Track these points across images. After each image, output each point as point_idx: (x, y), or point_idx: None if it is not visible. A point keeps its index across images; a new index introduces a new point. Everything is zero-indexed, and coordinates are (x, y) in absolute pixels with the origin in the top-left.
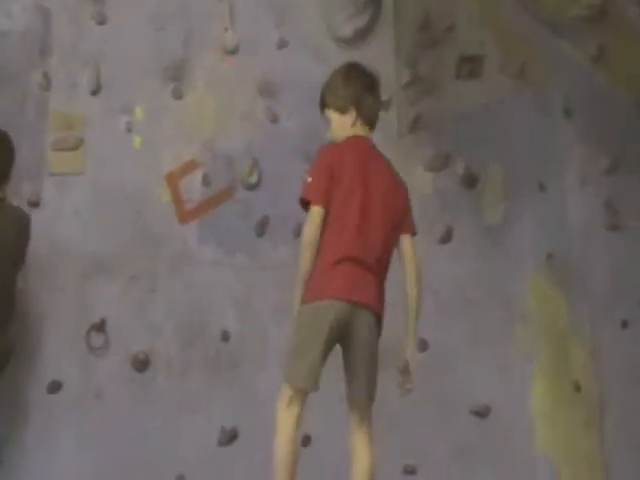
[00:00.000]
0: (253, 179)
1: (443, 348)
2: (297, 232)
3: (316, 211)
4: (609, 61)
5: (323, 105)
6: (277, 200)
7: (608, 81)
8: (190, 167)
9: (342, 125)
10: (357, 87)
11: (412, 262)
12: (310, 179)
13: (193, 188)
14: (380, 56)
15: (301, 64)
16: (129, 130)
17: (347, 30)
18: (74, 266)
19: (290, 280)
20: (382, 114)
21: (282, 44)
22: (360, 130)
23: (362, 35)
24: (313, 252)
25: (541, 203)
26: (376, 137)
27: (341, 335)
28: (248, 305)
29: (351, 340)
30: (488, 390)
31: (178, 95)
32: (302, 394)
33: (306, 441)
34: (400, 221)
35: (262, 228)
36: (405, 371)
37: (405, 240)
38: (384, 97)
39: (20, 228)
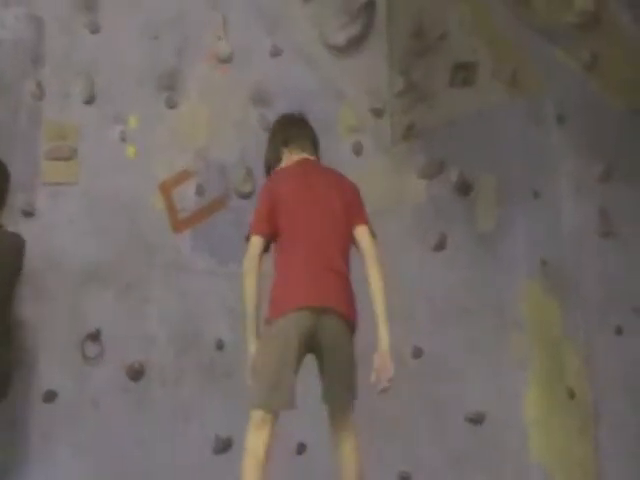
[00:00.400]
0: (247, 188)
1: (437, 355)
2: None
3: (252, 241)
4: (602, 68)
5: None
6: None
7: (601, 88)
8: (184, 176)
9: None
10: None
11: (369, 252)
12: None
13: (187, 197)
14: (373, 64)
15: (294, 72)
16: (123, 139)
17: (340, 38)
18: (68, 275)
19: None
20: (376, 122)
21: (275, 52)
22: (304, 155)
23: (355, 43)
24: (252, 280)
25: (535, 210)
26: (369, 145)
27: (309, 344)
28: (242, 314)
29: (320, 346)
30: (482, 397)
31: (172, 104)
32: (272, 415)
33: (301, 449)
34: (352, 215)
35: None
36: (382, 368)
37: (359, 231)
38: (377, 105)
39: (17, 254)
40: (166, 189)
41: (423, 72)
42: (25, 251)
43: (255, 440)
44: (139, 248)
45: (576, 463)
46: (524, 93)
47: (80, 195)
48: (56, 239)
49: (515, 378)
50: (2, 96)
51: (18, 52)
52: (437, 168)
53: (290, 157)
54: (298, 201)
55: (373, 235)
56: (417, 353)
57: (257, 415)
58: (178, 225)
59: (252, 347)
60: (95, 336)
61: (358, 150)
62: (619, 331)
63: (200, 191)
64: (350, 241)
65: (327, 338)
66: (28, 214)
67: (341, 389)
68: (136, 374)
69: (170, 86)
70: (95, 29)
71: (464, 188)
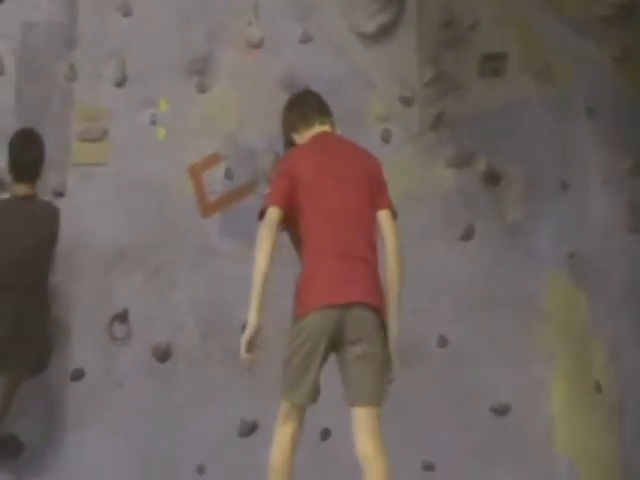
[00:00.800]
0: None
1: (463, 345)
2: None
3: (269, 210)
4: (632, 61)
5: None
6: None
7: (631, 81)
8: (213, 160)
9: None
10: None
11: (391, 239)
12: (267, 190)
13: (216, 180)
14: (402, 53)
15: (324, 59)
16: (153, 122)
17: (370, 26)
18: (98, 256)
19: None
20: (404, 111)
21: (305, 39)
22: (319, 128)
23: (385, 32)
24: (265, 249)
25: (563, 202)
26: (398, 133)
27: (335, 340)
28: (268, 297)
29: (346, 339)
30: (507, 388)
31: (202, 88)
32: (298, 408)
33: (325, 435)
34: (376, 197)
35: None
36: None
37: (382, 216)
38: (406, 94)
39: (52, 221)
40: (195, 172)
41: (452, 62)
42: (60, 219)
43: (282, 430)
44: (168, 231)
45: (601, 456)
46: (553, 85)
47: (110, 177)
48: (86, 220)
49: (540, 370)
50: (36, 78)
51: (51, 34)
52: (465, 158)
53: (303, 137)
54: (320, 184)
55: (394, 216)
56: (442, 342)
57: (284, 406)
58: (207, 209)
59: (253, 319)
60: (123, 317)
61: (387, 138)
62: None
63: (229, 175)
64: (375, 223)
65: (354, 331)
66: (59, 194)
67: (371, 383)
68: (163, 355)
69: (201, 70)
70: (127, 12)
71: (492, 179)
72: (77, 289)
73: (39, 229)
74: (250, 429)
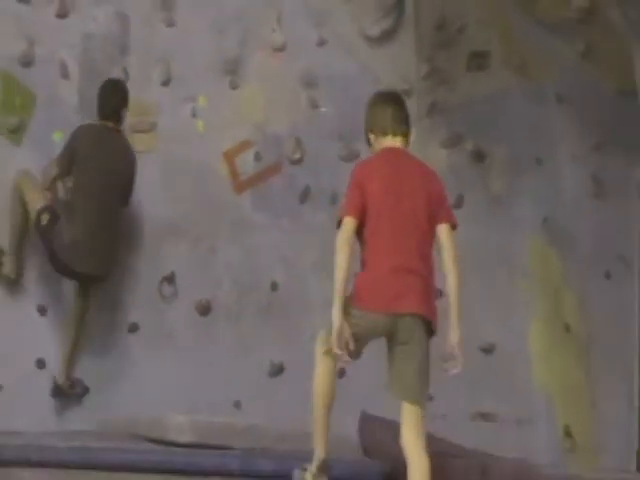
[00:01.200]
0: (297, 156)
1: None
2: (333, 200)
3: (346, 220)
4: (595, 56)
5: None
6: (317, 173)
7: (594, 73)
8: (244, 146)
9: (376, 146)
10: (379, 108)
11: (449, 251)
12: (344, 200)
13: (247, 163)
14: (402, 52)
15: (337, 59)
16: (194, 115)
17: (375, 30)
18: (149, 228)
19: (327, 240)
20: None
21: (321, 42)
22: (391, 142)
23: (388, 35)
24: (344, 257)
25: (538, 175)
26: None
27: (386, 336)
28: (293, 261)
29: (397, 339)
30: (493, 331)
31: (234, 86)
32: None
33: (341, 373)
34: (435, 213)
35: (304, 197)
36: (451, 356)
37: (441, 230)
38: (405, 87)
39: (131, 159)
40: (229, 157)
41: (444, 59)
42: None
43: (323, 361)
44: (207, 206)
45: (572, 387)
46: (529, 77)
47: (159, 162)
48: (140, 198)
49: (521, 315)
50: (95, 80)
51: (107, 44)
52: (456, 140)
53: (377, 142)
54: (384, 201)
55: (454, 227)
56: (437, 294)
57: (322, 347)
58: (239, 187)
59: (337, 317)
60: (171, 279)
61: None
62: (608, 275)
63: (258, 158)
64: (432, 238)
65: (403, 335)
66: None
67: (413, 381)
68: (204, 310)
69: (233, 71)
70: (171, 23)
71: (479, 157)
72: (132, 256)
73: (124, 157)
74: (278, 370)
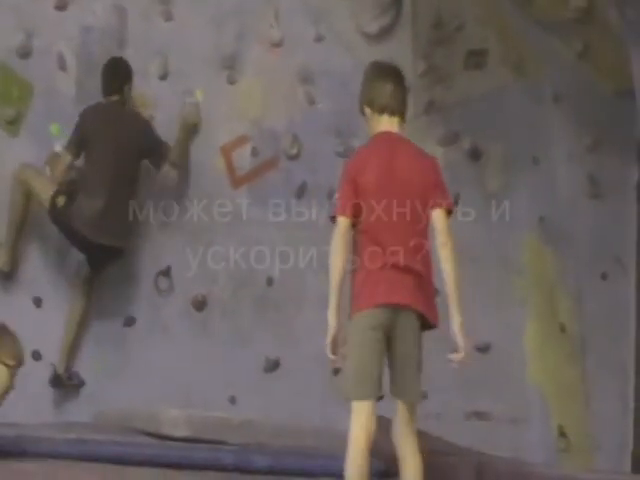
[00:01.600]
0: (294, 151)
1: None
2: (330, 195)
3: (339, 221)
4: (593, 56)
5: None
6: (314, 169)
7: (591, 73)
8: (241, 141)
9: (372, 121)
10: (378, 83)
11: (440, 236)
12: (337, 195)
13: (243, 158)
14: (400, 50)
15: (334, 56)
16: None
17: (373, 27)
18: (145, 222)
19: (324, 236)
20: None
21: (318, 39)
22: (387, 124)
23: (385, 32)
24: (339, 259)
25: (534, 174)
26: None
27: (387, 337)
28: (288, 256)
29: (394, 339)
30: (489, 330)
31: (232, 81)
32: (366, 405)
33: (336, 371)
34: (430, 198)
35: (301, 192)
36: (456, 346)
37: (435, 214)
38: None
39: (142, 125)
40: (226, 151)
41: (442, 57)
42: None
43: (355, 427)
44: (204, 201)
45: (567, 386)
46: (526, 76)
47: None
48: None
49: (516, 314)
50: (93, 73)
51: (105, 37)
52: (453, 138)
53: (373, 118)
54: (378, 193)
55: (450, 212)
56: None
57: (353, 405)
58: (236, 181)
59: (332, 320)
60: (166, 272)
61: None
62: (604, 276)
63: (255, 153)
64: (427, 228)
65: (399, 332)
66: None
67: (411, 382)
68: (200, 305)
69: (230, 66)
70: (169, 17)
71: (475, 155)
72: (129, 250)
73: (134, 125)
74: (273, 366)
